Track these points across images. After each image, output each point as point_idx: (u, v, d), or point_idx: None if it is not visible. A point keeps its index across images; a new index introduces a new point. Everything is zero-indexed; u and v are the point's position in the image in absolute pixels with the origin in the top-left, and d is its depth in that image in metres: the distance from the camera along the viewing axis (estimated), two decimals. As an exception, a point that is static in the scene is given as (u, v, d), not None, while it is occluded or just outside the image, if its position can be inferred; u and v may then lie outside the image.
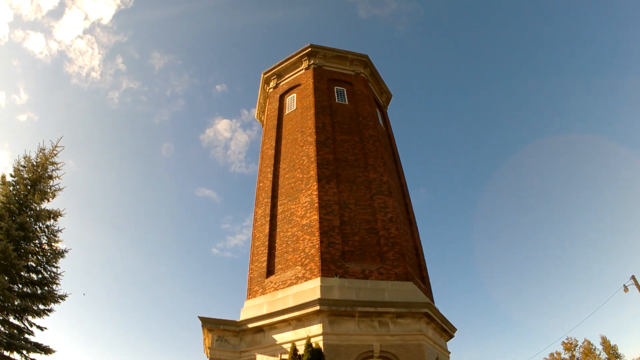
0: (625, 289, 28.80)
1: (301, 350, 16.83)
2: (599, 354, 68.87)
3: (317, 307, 18.48)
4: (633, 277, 28.83)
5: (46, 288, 22.42)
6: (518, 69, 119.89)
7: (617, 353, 68.17)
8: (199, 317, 21.12)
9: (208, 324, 21.17)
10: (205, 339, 22.16)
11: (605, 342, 69.44)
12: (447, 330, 22.82)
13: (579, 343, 71.93)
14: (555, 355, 72.44)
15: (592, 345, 70.29)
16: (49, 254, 22.69)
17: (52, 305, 22.56)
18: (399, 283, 20.77)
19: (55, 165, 24.06)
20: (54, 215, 23.10)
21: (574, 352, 71.43)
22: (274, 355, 19.17)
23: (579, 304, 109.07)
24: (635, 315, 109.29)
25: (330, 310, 18.63)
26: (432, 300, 23.97)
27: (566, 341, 72.48)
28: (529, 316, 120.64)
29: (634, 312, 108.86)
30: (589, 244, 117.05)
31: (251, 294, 22.84)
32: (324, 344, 17.91)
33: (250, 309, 21.55)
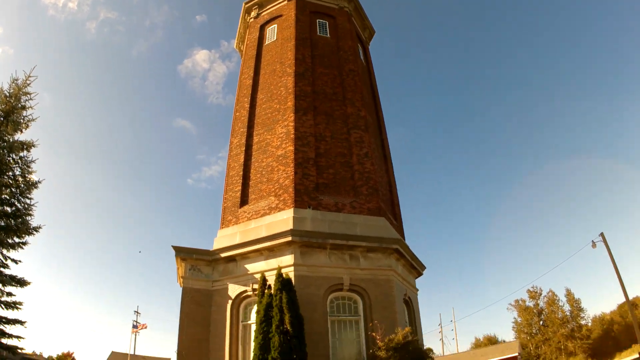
0: (594, 244, 29.55)
1: (271, 280, 17.12)
2: (562, 305, 71.61)
3: (289, 238, 18.58)
4: (602, 235, 29.50)
5: (20, 220, 22.14)
6: None
7: (580, 306, 70.82)
8: (172, 246, 21.09)
9: (181, 253, 21.19)
10: (178, 268, 22.22)
11: (569, 294, 72.02)
12: (416, 268, 23.34)
13: (544, 293, 74.64)
14: (520, 302, 75.63)
15: (556, 296, 73.00)
16: (22, 185, 22.29)
17: (26, 238, 22.41)
18: (371, 218, 20.95)
19: (28, 96, 23.24)
20: (27, 146, 22.53)
21: (538, 301, 74.48)
22: (245, 285, 19.41)
23: (548, 255, 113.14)
24: (600, 273, 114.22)
25: (302, 241, 18.77)
26: (403, 237, 24.37)
27: (531, 289, 75.37)
28: (497, 262, 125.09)
29: (600, 269, 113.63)
30: (566, 198, 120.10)
31: (224, 223, 22.80)
32: (294, 275, 18.14)
33: (223, 239, 21.60)
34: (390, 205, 24.49)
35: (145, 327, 44.47)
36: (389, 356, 16.39)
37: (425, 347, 20.35)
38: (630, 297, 71.66)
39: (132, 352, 43.46)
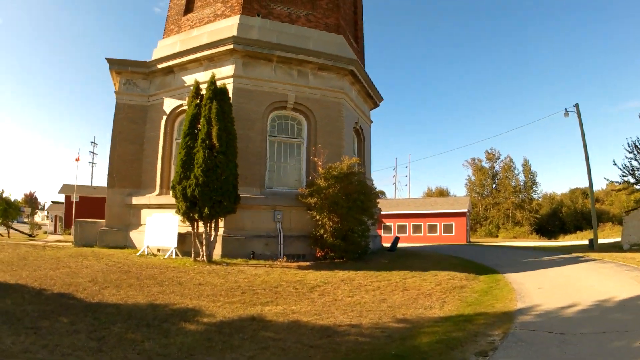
0: (566, 113, 28.06)
1: (206, 91, 15.04)
2: (518, 174, 72.11)
3: (231, 46, 16.35)
4: (577, 106, 27.98)
5: None
6: None
7: (534, 179, 71.42)
8: (106, 58, 19.10)
9: (116, 65, 19.19)
10: (115, 84, 20.15)
11: (526, 164, 71.79)
12: (372, 97, 21.69)
13: (501, 157, 74.71)
14: (476, 160, 75.82)
15: (513, 163, 72.85)
16: None
17: None
18: (328, 34, 18.63)
19: None
20: None
21: (494, 164, 74.74)
22: (182, 99, 17.47)
23: (517, 118, 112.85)
24: (559, 154, 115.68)
25: (245, 51, 16.57)
26: (363, 65, 22.23)
27: (489, 151, 75.13)
28: (462, 116, 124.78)
29: (562, 150, 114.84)
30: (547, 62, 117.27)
31: (166, 33, 20.29)
32: (233, 87, 16.25)
33: (163, 49, 19.17)
34: (353, 26, 21.99)
35: (78, 160, 43.40)
36: (328, 185, 15.18)
37: (374, 187, 19.39)
38: (583, 186, 74.07)
39: (78, 183, 42.32)
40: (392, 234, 42.53)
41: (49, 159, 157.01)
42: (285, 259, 15.11)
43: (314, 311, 8.47)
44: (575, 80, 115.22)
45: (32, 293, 8.63)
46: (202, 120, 14.13)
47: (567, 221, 65.63)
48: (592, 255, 19.32)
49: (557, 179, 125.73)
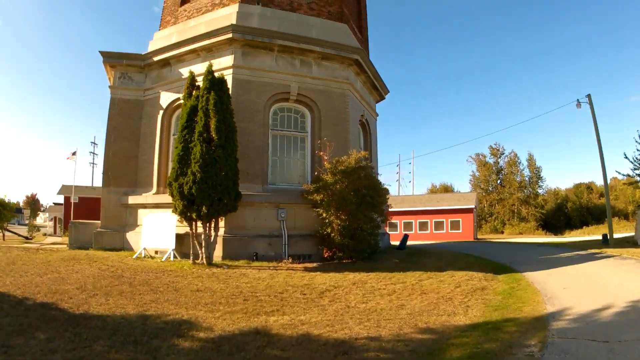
0: (578, 104, 27.09)
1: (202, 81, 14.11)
2: (523, 169, 71.03)
3: (230, 35, 15.43)
4: (589, 96, 26.97)
5: None
6: None
7: (539, 174, 70.38)
8: (100, 51, 18.23)
9: (110, 58, 18.34)
10: (109, 78, 19.31)
11: (531, 159, 70.69)
12: (377, 89, 20.77)
13: (506, 152, 73.63)
14: (480, 156, 74.68)
15: (518, 158, 71.76)
16: None
17: None
18: (331, 23, 17.68)
19: None
20: None
21: (499, 159, 73.67)
22: (179, 92, 16.55)
23: (521, 114, 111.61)
24: (563, 147, 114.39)
25: (244, 39, 15.66)
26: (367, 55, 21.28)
27: (494, 146, 74.02)
28: (468, 112, 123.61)
29: (567, 144, 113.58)
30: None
31: (162, 25, 19.46)
32: (233, 78, 15.40)
33: (159, 41, 18.28)
34: (357, 16, 21.05)
35: (73, 157, 42.61)
36: (335, 180, 14.25)
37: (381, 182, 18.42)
38: (587, 180, 73.08)
39: (78, 184, 41.72)
40: (399, 232, 41.61)
41: (50, 160, 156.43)
42: (290, 259, 14.16)
43: (325, 321, 7.48)
44: (579, 75, 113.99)
45: (12, 303, 7.72)
46: (199, 112, 13.16)
47: (572, 216, 64.72)
48: (609, 251, 18.45)
49: (560, 175, 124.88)
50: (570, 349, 5.80)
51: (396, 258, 16.11)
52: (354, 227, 14.09)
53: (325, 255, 14.80)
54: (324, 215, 14.32)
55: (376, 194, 14.88)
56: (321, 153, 15.58)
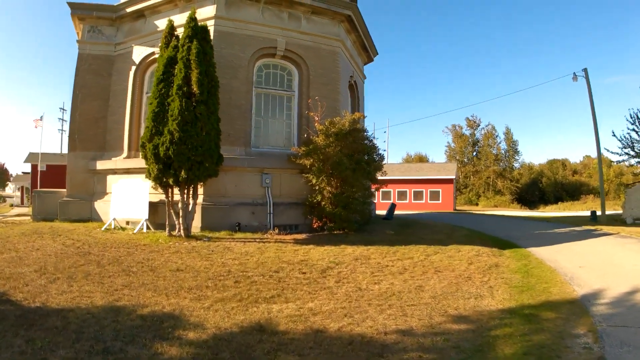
0: (575, 77, 26.35)
1: (182, 32, 12.51)
2: (499, 142, 70.77)
3: (211, -18, 13.87)
4: (585, 70, 26.18)
5: None
6: None
7: (516, 148, 70.25)
8: (67, 2, 16.48)
9: (79, 10, 16.64)
10: (77, 32, 17.56)
11: (508, 133, 70.50)
12: (367, 50, 19.51)
13: (482, 124, 73.20)
14: (457, 127, 74.03)
15: (495, 131, 71.53)
16: None
17: None
18: (322, -27, 16.20)
19: None
20: None
21: (475, 131, 73.14)
22: (154, 46, 15.01)
23: (501, 88, 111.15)
24: (540, 122, 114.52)
25: (228, -13, 14.11)
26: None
27: (470, 118, 73.45)
28: (443, 82, 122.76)
29: (542, 117, 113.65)
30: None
31: (136, -28, 17.61)
32: (214, 30, 13.88)
33: (133, -8, 16.51)
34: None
35: (40, 123, 40.57)
36: (328, 143, 13.01)
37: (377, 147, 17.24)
38: (561, 157, 73.10)
39: (45, 151, 39.60)
40: (376, 200, 40.76)
41: (19, 128, 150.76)
42: (276, 230, 12.97)
43: (340, 310, 6.22)
44: (567, 50, 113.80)
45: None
46: (179, 63, 11.54)
47: (547, 192, 65.37)
48: (605, 228, 17.95)
49: (533, 150, 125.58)
50: (629, 340, 4.98)
51: (389, 229, 15.11)
52: (347, 195, 12.94)
53: (315, 226, 13.69)
54: (314, 181, 13.12)
55: (372, 160, 13.71)
56: (311, 114, 14.30)
